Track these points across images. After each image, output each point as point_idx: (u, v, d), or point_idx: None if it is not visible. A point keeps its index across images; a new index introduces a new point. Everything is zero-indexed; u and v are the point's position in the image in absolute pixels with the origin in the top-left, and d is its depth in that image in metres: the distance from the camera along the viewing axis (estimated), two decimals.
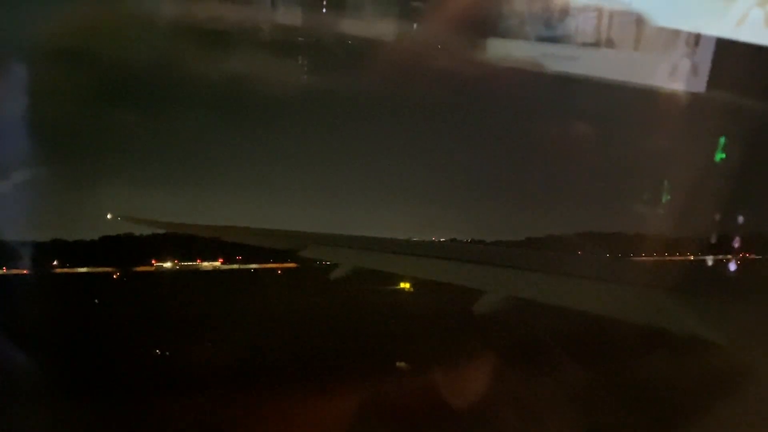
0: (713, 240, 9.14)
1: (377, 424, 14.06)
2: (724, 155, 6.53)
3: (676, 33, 5.64)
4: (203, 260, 60.48)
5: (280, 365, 19.42)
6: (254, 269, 58.81)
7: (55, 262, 54.81)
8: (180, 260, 60.29)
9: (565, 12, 6.43)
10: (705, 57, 5.48)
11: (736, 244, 8.29)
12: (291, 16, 10.92)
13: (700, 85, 5.65)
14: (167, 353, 21.84)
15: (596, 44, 6.19)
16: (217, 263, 60.18)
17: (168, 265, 58.33)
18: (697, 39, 5.50)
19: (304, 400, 16.08)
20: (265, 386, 17.04)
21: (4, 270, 37.26)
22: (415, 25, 9.07)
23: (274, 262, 58.09)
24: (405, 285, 42.26)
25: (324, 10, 9.92)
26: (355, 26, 9.67)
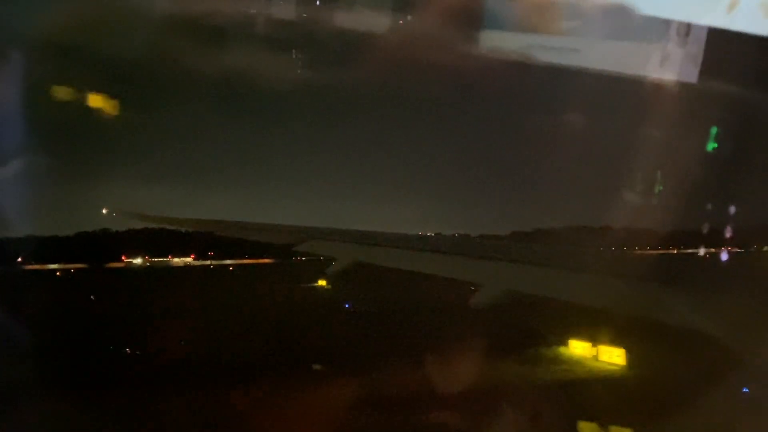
0: (708, 232, 9.13)
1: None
2: (716, 145, 6.51)
3: (667, 22, 5.60)
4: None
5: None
6: (231, 265, 59.04)
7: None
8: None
9: (557, 3, 6.39)
10: (697, 46, 5.45)
11: (732, 236, 8.27)
12: (288, 11, 10.87)
13: (692, 75, 5.62)
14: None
15: (588, 35, 6.16)
16: (189, 259, 60.34)
17: (138, 261, 58.48)
18: (688, 28, 5.47)
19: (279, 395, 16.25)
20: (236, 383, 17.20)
21: None
22: (408, 18, 9.02)
23: (251, 258, 58.30)
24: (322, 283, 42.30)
25: (318, 4, 9.87)
26: (348, 19, 9.61)
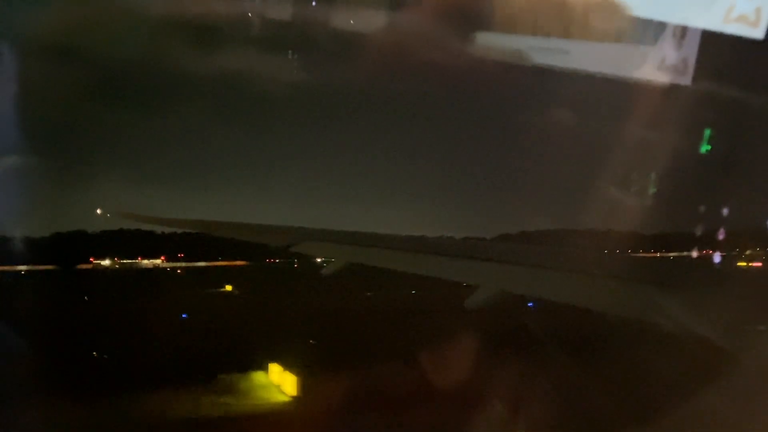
0: (701, 235, 9.19)
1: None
2: (709, 147, 6.58)
3: (662, 25, 5.66)
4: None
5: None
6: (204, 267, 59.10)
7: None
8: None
9: (552, 4, 6.43)
10: (692, 50, 5.51)
11: (727, 239, 8.33)
12: (283, 12, 10.85)
13: (687, 78, 5.68)
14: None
15: (584, 37, 6.20)
16: (159, 261, 60.30)
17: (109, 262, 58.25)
18: (684, 32, 5.53)
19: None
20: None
21: None
22: (402, 20, 9.03)
23: (223, 260, 58.52)
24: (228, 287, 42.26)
25: (314, 4, 9.88)
26: (341, 21, 9.63)
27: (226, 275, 49.63)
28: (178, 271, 58.30)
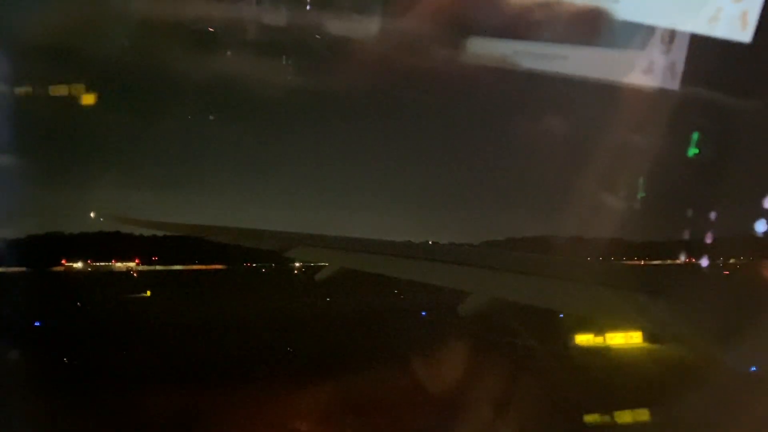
0: (690, 241, 9.21)
1: None
2: (697, 150, 6.61)
3: (650, 29, 5.69)
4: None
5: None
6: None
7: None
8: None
9: (541, 9, 6.45)
10: (679, 53, 5.54)
11: (717, 246, 8.34)
12: (278, 17, 10.84)
13: (675, 82, 5.70)
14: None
15: (574, 42, 6.22)
16: (132, 264, 59.92)
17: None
18: (671, 35, 5.56)
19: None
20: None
21: None
22: (396, 25, 9.03)
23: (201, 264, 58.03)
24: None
25: (308, 8, 9.88)
26: (334, 26, 9.63)
27: (146, 279, 48.54)
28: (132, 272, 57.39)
